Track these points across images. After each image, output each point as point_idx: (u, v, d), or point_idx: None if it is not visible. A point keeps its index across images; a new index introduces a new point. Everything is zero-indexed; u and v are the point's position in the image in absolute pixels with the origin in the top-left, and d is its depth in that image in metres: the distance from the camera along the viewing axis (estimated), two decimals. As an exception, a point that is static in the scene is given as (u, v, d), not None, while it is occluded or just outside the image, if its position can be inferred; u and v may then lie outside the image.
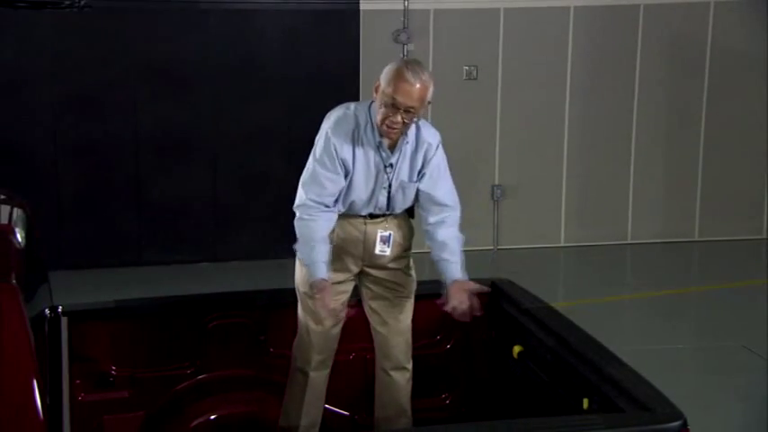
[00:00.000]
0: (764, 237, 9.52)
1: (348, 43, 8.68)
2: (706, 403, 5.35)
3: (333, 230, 3.87)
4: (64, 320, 3.84)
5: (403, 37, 8.75)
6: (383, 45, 8.73)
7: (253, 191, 8.74)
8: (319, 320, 3.92)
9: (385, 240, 3.89)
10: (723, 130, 9.34)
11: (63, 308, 3.87)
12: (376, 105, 3.71)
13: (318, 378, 4.00)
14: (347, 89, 8.68)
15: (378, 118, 3.69)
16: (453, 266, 3.83)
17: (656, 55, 9.16)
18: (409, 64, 3.69)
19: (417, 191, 3.89)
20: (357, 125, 3.76)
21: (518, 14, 8.91)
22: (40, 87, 8.24)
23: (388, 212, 3.90)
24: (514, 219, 9.12)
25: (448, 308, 3.76)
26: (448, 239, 3.87)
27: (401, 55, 8.66)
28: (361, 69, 8.73)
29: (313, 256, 3.76)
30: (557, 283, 8.47)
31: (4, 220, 3.25)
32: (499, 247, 9.00)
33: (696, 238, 9.46)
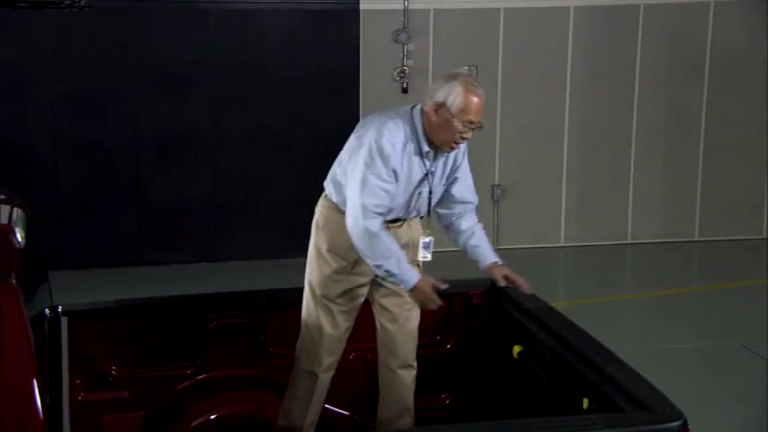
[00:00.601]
0: (764, 236, 9.52)
1: (348, 43, 8.68)
2: (706, 403, 5.36)
3: None
4: (64, 320, 3.85)
5: (403, 37, 8.76)
6: (383, 45, 8.74)
7: (253, 191, 8.74)
8: (335, 324, 3.94)
9: (427, 246, 3.96)
10: (723, 129, 9.34)
11: (63, 308, 3.87)
12: (441, 127, 3.74)
13: (326, 379, 4.02)
14: (347, 89, 8.70)
15: (445, 138, 3.76)
16: (486, 251, 4.04)
17: (656, 55, 9.16)
18: (471, 83, 3.75)
19: (449, 195, 4.01)
20: (406, 135, 3.77)
21: (518, 14, 8.91)
22: (40, 87, 8.24)
23: (410, 216, 3.94)
24: (514, 219, 9.12)
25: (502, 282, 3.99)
26: (474, 227, 4.05)
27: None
28: (361, 69, 8.74)
29: (402, 266, 3.75)
30: (557, 282, 8.47)
31: (4, 220, 3.24)
32: (499, 247, 8.96)
33: (696, 238, 9.46)
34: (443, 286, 3.83)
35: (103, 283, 7.84)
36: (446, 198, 4.02)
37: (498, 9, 8.90)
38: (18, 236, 3.13)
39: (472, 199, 4.09)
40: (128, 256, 8.55)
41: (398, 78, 8.80)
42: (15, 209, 3.37)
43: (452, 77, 3.77)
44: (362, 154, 3.73)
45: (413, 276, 3.76)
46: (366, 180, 3.71)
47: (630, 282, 8.65)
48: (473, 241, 4.04)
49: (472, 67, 8.83)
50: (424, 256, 3.98)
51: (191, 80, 8.50)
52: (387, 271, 3.74)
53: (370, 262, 3.74)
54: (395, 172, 3.74)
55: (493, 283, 4.29)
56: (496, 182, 9.05)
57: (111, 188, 8.53)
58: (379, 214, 3.72)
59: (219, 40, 8.50)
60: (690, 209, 9.46)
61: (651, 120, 9.29)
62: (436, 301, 3.82)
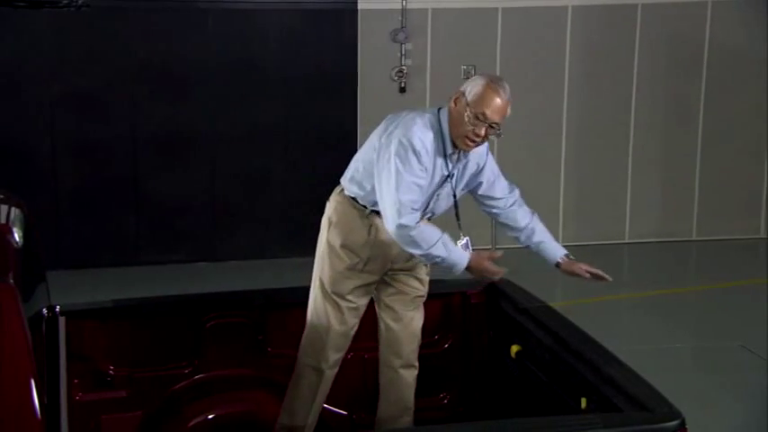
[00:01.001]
0: (762, 236, 9.52)
1: (346, 42, 8.68)
2: (704, 403, 5.35)
3: (370, 232, 3.87)
4: (62, 320, 3.84)
5: (401, 36, 8.75)
6: (381, 44, 8.74)
7: (251, 190, 8.74)
8: (344, 321, 3.93)
9: (465, 247, 3.93)
10: (721, 128, 9.35)
11: (61, 307, 3.86)
12: (456, 118, 3.73)
13: (331, 376, 4.02)
14: (345, 88, 8.70)
15: (460, 131, 3.73)
16: (554, 246, 4.01)
17: (654, 54, 9.16)
18: (496, 80, 3.78)
19: (480, 196, 4.03)
20: (434, 134, 3.75)
21: (516, 14, 8.91)
22: (38, 86, 8.23)
23: (425, 217, 3.92)
24: (512, 218, 9.10)
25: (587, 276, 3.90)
26: (532, 223, 4.02)
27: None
28: (359, 68, 8.73)
29: (449, 248, 3.72)
30: (555, 282, 8.42)
31: (2, 220, 3.24)
32: (497, 247, 9.01)
33: (694, 238, 9.47)
34: (498, 254, 3.85)
35: (101, 283, 7.83)
36: (481, 199, 4.04)
37: (496, 8, 8.90)
38: (16, 235, 3.13)
39: (506, 194, 4.05)
40: (126, 256, 8.54)
41: (396, 78, 8.80)
42: (13, 208, 3.36)
43: (481, 74, 3.83)
44: (392, 150, 3.69)
45: (463, 257, 3.75)
46: (400, 177, 3.67)
47: (628, 281, 8.64)
48: (536, 238, 4.01)
49: (470, 67, 8.85)
50: None
51: (189, 79, 8.49)
52: (435, 257, 3.71)
53: (418, 252, 3.71)
54: (426, 169, 3.72)
55: (491, 283, 4.29)
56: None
57: (110, 187, 8.52)
58: (416, 210, 3.70)
59: (218, 40, 8.49)
60: (687, 208, 9.46)
61: (649, 119, 9.29)
62: (497, 271, 3.82)
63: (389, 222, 3.69)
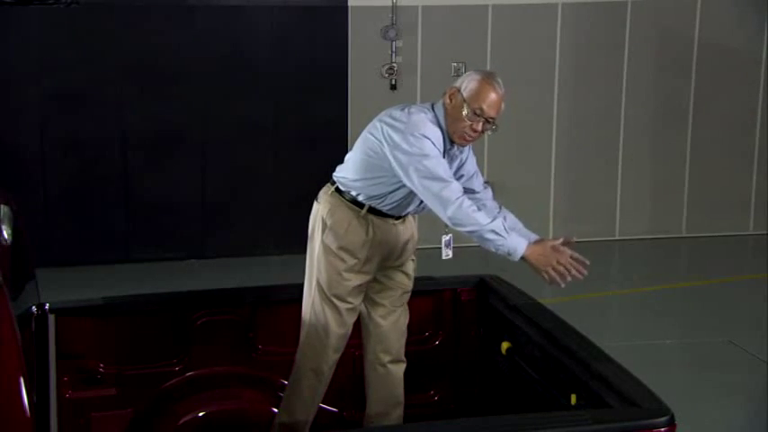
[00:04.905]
0: (751, 232, 9.56)
1: (336, 40, 8.67)
2: (693, 399, 5.37)
3: (368, 232, 3.85)
4: (51, 318, 3.83)
5: (391, 33, 8.75)
6: (371, 41, 8.74)
7: (241, 187, 8.73)
8: (343, 322, 3.92)
9: (448, 244, 3.92)
10: (710, 125, 9.38)
11: (50, 305, 3.86)
12: (453, 115, 3.71)
13: (330, 375, 4.02)
14: (336, 86, 8.69)
15: (457, 127, 3.71)
16: (524, 232, 3.79)
17: (644, 51, 9.18)
18: (492, 76, 3.77)
19: None
20: (440, 130, 3.71)
21: (506, 11, 8.92)
22: (27, 84, 8.20)
23: (418, 212, 3.91)
24: (503, 215, 9.11)
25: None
26: (500, 211, 3.86)
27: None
28: (349, 66, 8.73)
29: (505, 237, 3.54)
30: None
31: (-9, 217, 3.23)
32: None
33: (683, 234, 9.49)
34: (571, 240, 3.70)
35: (91, 281, 7.80)
36: None
37: (486, 6, 8.90)
38: (5, 233, 3.12)
39: (482, 189, 4.00)
40: (116, 254, 8.53)
41: (387, 75, 8.80)
42: (2, 205, 3.35)
43: (475, 71, 3.81)
44: (406, 145, 3.61)
45: (521, 244, 3.55)
46: (428, 166, 3.58)
47: (618, 278, 8.67)
48: (508, 224, 3.75)
49: (460, 64, 8.85)
50: (446, 254, 3.95)
51: (178, 77, 8.48)
52: (493, 235, 3.51)
53: (477, 227, 3.52)
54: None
55: (481, 279, 4.30)
56: (485, 178, 9.03)
57: (100, 185, 8.50)
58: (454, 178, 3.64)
59: (208, 37, 8.47)
60: (677, 205, 9.49)
61: (639, 116, 9.31)
62: (562, 257, 3.63)
63: (441, 211, 3.57)
